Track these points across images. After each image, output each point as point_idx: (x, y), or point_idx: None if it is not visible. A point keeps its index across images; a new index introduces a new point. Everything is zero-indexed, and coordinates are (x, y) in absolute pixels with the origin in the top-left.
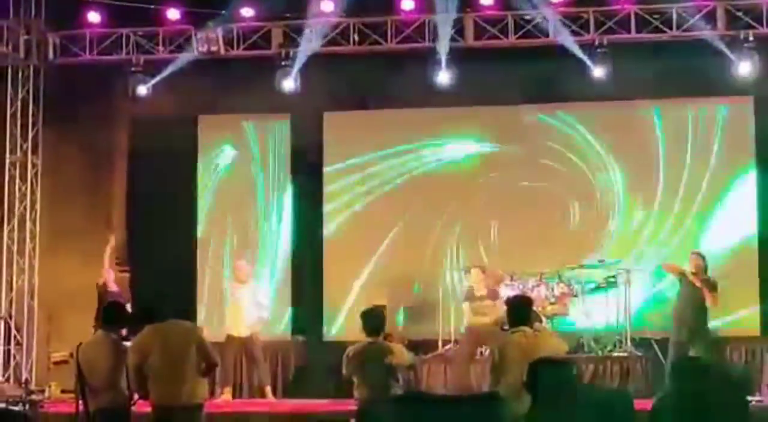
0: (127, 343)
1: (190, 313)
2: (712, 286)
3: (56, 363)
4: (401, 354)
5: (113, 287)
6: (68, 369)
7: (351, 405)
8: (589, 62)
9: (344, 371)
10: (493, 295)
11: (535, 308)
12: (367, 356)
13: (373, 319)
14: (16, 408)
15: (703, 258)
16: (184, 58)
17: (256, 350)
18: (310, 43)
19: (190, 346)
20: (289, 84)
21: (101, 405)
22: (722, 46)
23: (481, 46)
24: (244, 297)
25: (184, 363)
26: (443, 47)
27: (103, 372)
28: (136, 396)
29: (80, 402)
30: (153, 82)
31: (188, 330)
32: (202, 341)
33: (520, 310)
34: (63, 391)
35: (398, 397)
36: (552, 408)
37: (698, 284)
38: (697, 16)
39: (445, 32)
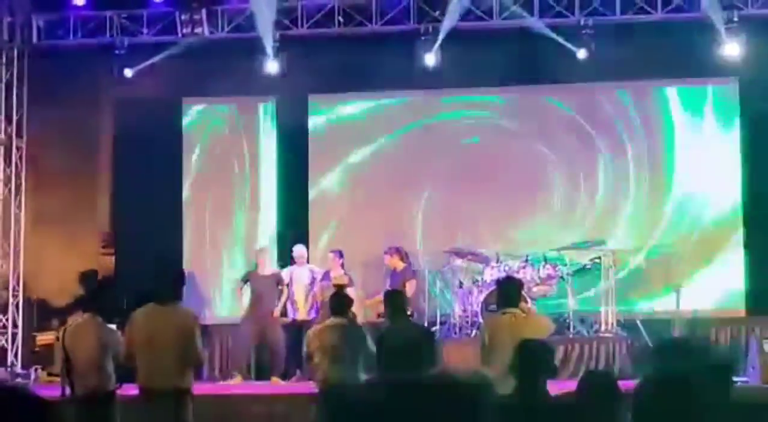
0: (112, 326)
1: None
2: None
3: (42, 346)
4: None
5: None
6: (54, 352)
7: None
8: (568, 45)
9: (305, 349)
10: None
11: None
12: (331, 336)
13: (339, 300)
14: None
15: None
16: (170, 45)
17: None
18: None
19: (179, 335)
20: (272, 66)
21: (88, 388)
22: (718, 23)
23: (465, 27)
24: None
25: (172, 350)
26: (444, 28)
27: (90, 356)
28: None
29: (66, 385)
30: (139, 66)
31: (183, 320)
32: (191, 334)
33: (510, 292)
34: (49, 374)
35: (369, 381)
36: (533, 390)
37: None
38: None
39: (451, 13)
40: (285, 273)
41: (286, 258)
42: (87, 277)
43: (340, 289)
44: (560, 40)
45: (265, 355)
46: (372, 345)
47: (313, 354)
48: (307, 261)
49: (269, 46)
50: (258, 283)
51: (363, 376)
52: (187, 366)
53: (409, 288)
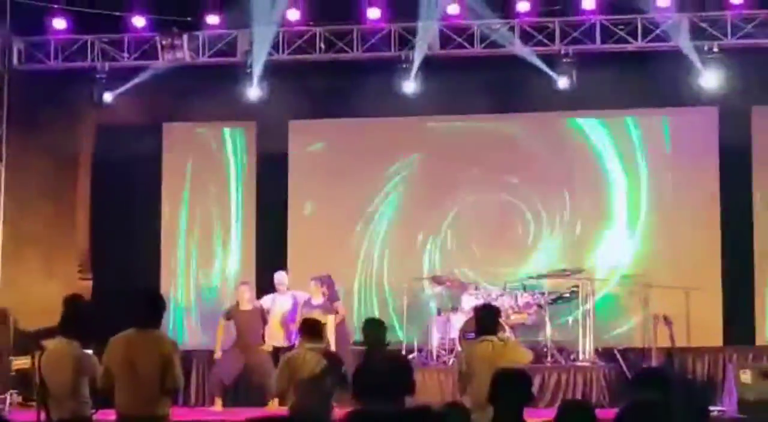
0: (89, 351)
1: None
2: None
3: (18, 370)
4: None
5: None
6: (30, 376)
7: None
8: (551, 73)
9: (277, 375)
10: (328, 307)
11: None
12: (303, 363)
13: (312, 326)
14: None
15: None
16: (151, 70)
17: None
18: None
19: (158, 361)
20: (254, 91)
21: (63, 414)
22: (692, 54)
23: (447, 55)
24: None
25: (150, 377)
26: (417, 56)
27: (65, 381)
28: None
29: (42, 410)
30: (119, 91)
31: (162, 346)
32: (171, 361)
33: (488, 319)
34: (25, 399)
35: (345, 412)
36: (511, 418)
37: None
38: (662, 27)
39: (422, 41)
40: (267, 299)
41: (264, 285)
42: (70, 301)
43: (311, 318)
44: (542, 67)
45: (248, 382)
46: (346, 373)
47: (285, 381)
48: (288, 288)
49: (258, 72)
50: (240, 318)
51: (334, 405)
52: (165, 393)
53: (340, 313)
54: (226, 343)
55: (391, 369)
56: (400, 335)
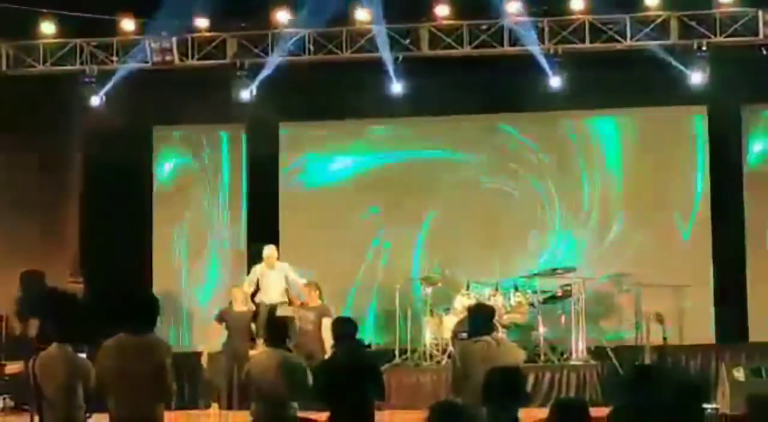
0: (82, 355)
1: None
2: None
3: (11, 375)
4: (303, 372)
5: None
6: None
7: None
8: (548, 69)
9: (243, 377)
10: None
11: None
12: (265, 370)
13: (278, 327)
14: None
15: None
16: (131, 66)
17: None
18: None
19: (152, 366)
20: (245, 94)
21: (57, 418)
22: (670, 58)
23: (436, 55)
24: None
25: (143, 382)
26: (387, 58)
27: (59, 385)
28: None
29: (36, 414)
30: (103, 91)
31: (155, 351)
32: (164, 365)
33: (482, 319)
34: (17, 404)
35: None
36: (506, 418)
37: None
38: (650, 26)
39: (384, 43)
40: (254, 275)
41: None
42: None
43: (278, 316)
44: (543, 63)
45: (240, 385)
46: (310, 379)
47: (248, 385)
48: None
49: (262, 75)
50: (232, 320)
51: (295, 413)
52: (158, 397)
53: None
54: (216, 346)
55: (351, 368)
56: (391, 336)
